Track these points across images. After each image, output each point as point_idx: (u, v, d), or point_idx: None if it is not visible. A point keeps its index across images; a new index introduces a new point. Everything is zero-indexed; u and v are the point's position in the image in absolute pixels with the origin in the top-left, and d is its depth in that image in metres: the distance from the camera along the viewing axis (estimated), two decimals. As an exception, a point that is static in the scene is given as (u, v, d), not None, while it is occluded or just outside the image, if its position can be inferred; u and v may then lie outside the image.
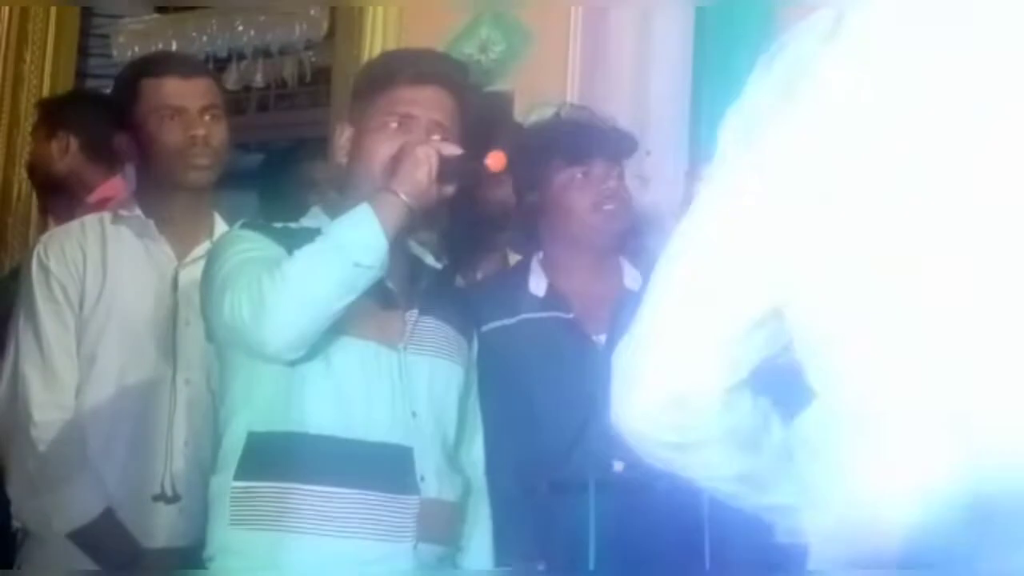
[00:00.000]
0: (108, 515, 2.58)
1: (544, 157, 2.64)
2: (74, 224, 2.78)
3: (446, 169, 2.15)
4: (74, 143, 3.45)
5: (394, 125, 2.24)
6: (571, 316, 2.56)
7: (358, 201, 2.22)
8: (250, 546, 2.15)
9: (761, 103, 1.30)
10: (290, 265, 2.07)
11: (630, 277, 2.62)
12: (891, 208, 1.20)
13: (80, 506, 2.57)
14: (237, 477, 2.16)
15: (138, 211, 2.73)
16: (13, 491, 2.65)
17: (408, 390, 2.21)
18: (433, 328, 2.30)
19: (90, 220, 2.76)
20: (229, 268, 2.15)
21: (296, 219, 2.35)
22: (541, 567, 2.47)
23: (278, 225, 2.29)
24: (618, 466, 2.41)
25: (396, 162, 2.16)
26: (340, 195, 2.37)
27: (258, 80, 4.92)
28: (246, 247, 2.19)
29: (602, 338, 2.50)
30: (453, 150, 2.18)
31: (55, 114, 3.55)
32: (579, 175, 2.60)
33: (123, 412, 2.63)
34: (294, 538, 2.13)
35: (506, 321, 2.57)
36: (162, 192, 2.73)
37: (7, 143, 4.77)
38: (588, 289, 2.57)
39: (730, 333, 1.31)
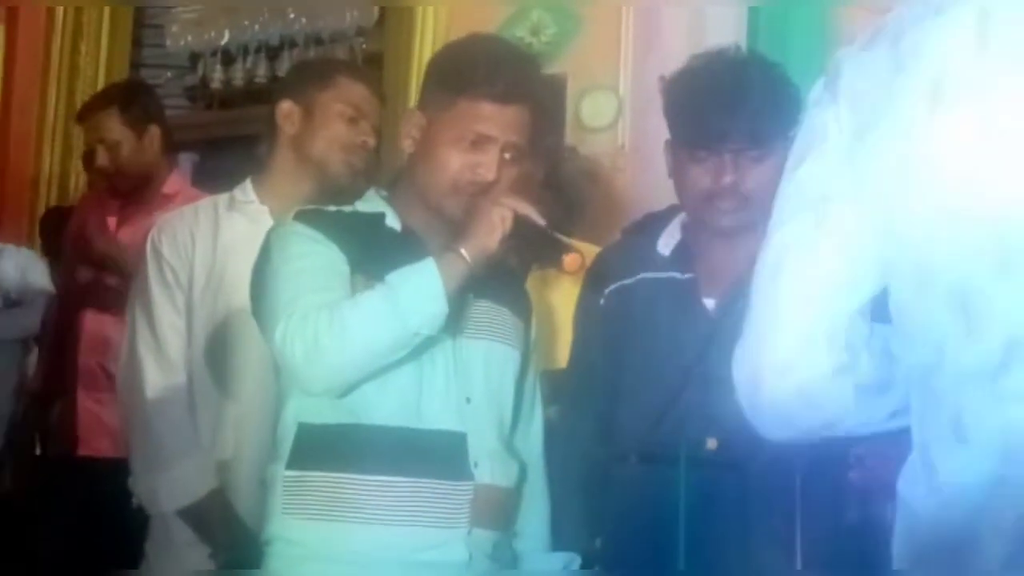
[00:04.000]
0: (216, 495, 2.61)
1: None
2: (188, 209, 2.80)
3: (518, 228, 2.12)
4: (158, 135, 3.54)
5: (470, 140, 2.20)
6: (687, 276, 2.44)
7: (412, 189, 2.24)
8: (303, 535, 2.16)
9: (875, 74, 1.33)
10: (349, 315, 2.05)
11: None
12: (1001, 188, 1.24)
13: (188, 484, 2.61)
14: (289, 466, 2.17)
15: (254, 196, 2.75)
16: (133, 468, 2.70)
17: (463, 375, 2.21)
18: (488, 312, 2.28)
19: (204, 205, 2.78)
20: (281, 281, 2.14)
21: (350, 202, 2.32)
22: (597, 543, 2.45)
23: (332, 209, 2.27)
24: (711, 443, 2.37)
25: (469, 218, 2.13)
26: (395, 179, 2.35)
27: (311, 67, 4.97)
28: (300, 252, 2.16)
29: (712, 302, 2.39)
30: (529, 211, 2.13)
31: (140, 105, 3.60)
32: (701, 154, 2.35)
33: (231, 395, 2.66)
34: (347, 527, 2.13)
35: (626, 281, 2.49)
36: (294, 179, 2.74)
37: (64, 134, 4.81)
38: (715, 253, 2.41)
39: (838, 323, 1.37)
